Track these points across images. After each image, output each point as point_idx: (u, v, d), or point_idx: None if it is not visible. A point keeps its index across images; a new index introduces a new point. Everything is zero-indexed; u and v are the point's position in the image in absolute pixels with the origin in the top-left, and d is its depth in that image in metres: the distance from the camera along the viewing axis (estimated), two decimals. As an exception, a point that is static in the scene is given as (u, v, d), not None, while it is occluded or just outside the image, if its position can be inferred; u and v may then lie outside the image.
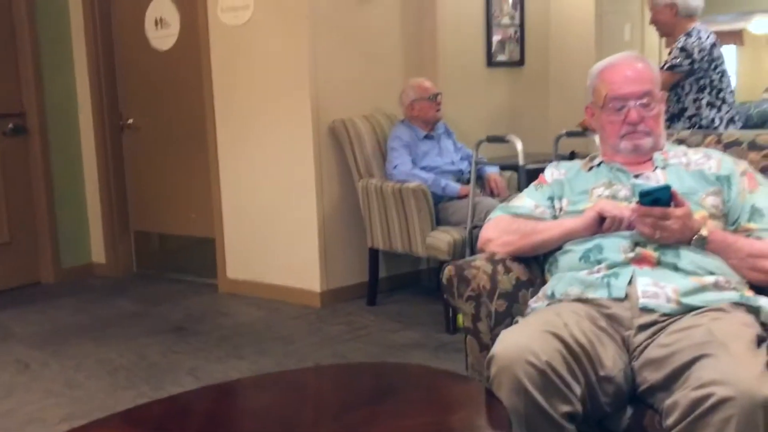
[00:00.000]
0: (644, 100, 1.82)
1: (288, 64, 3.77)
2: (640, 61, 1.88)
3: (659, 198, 1.62)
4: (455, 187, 3.55)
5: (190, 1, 4.11)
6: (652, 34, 4.33)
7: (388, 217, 3.59)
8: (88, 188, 4.69)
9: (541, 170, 2.04)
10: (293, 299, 3.89)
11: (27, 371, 3.06)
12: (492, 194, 3.63)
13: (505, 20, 4.46)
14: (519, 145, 3.21)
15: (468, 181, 3.51)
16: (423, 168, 3.61)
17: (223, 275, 4.20)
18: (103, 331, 3.56)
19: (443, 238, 3.36)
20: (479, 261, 1.84)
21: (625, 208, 1.71)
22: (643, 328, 1.55)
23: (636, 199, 1.69)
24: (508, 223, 1.89)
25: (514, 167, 3.50)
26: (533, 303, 1.77)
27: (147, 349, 3.27)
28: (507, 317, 1.78)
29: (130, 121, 4.61)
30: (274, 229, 3.97)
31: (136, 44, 4.49)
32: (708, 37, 3.20)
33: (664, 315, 1.55)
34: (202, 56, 4.07)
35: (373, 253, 3.79)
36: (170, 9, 4.30)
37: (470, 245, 3.26)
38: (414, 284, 4.16)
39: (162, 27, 4.36)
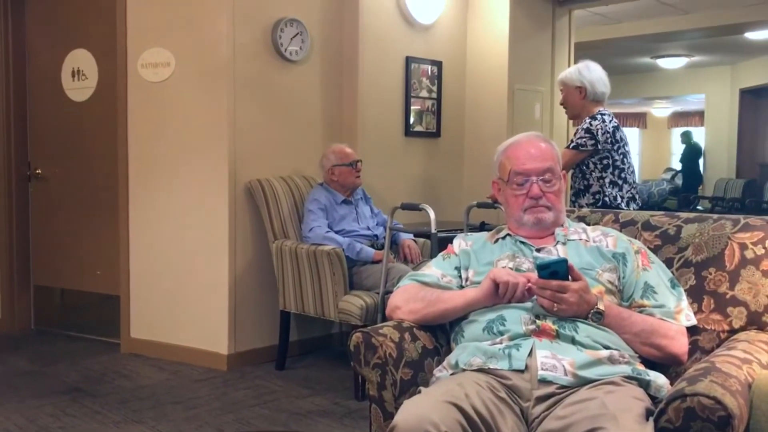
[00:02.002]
0: (546, 176, 1.91)
1: (207, 123, 3.76)
2: (543, 141, 1.98)
3: (557, 271, 1.69)
4: (370, 251, 3.57)
5: (110, 54, 4.07)
6: (560, 113, 4.57)
7: (301, 279, 3.57)
8: (-13, 239, 4.47)
9: (453, 238, 2.10)
10: (199, 361, 3.78)
11: None
12: (406, 260, 3.68)
13: (423, 92, 4.61)
14: (432, 214, 3.28)
15: (383, 247, 3.54)
16: (339, 232, 3.63)
17: (127, 334, 4.04)
18: (-9, 392, 3.34)
19: (356, 303, 3.36)
20: (386, 328, 1.85)
21: (520, 275, 1.77)
22: (540, 399, 1.59)
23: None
24: (416, 292, 1.92)
25: (427, 234, 3.57)
26: (438, 372, 1.78)
27: (38, 412, 3.08)
28: (412, 385, 1.79)
29: (39, 171, 4.46)
30: (183, 288, 3.87)
31: (50, 94, 4.38)
32: (611, 120, 3.41)
33: (562, 387, 1.59)
34: (118, 110, 4.01)
35: (285, 316, 3.75)
36: (89, 61, 4.23)
37: (382, 310, 3.27)
38: (325, 348, 4.12)
39: (79, 78, 4.29)
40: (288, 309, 3.70)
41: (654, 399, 1.61)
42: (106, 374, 3.64)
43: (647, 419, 1.48)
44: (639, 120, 16.24)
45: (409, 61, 4.50)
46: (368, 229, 3.77)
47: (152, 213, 3.95)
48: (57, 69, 4.34)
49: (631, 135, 15.35)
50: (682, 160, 12.39)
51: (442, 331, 1.94)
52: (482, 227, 3.36)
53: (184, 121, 3.83)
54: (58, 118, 4.38)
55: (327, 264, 3.45)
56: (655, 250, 2.00)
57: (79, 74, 4.29)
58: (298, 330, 3.93)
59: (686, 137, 12.41)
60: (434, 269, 1.98)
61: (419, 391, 1.67)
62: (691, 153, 12.14)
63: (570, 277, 1.70)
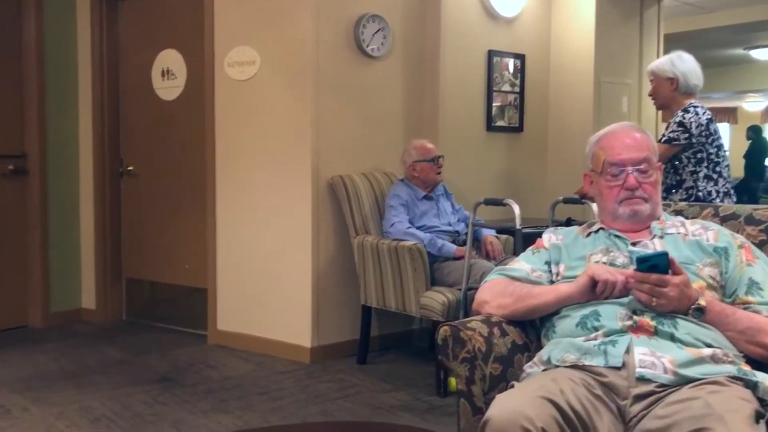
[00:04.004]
0: (642, 167, 1.84)
1: (290, 120, 3.82)
2: (638, 131, 1.91)
3: (656, 264, 1.62)
4: (451, 247, 3.55)
5: (198, 54, 4.19)
6: (649, 107, 4.43)
7: (382, 275, 3.58)
8: (83, 233, 4.68)
9: (537, 235, 2.05)
10: (282, 354, 3.84)
11: (7, 416, 2.98)
12: (487, 256, 3.63)
13: (506, 86, 4.54)
14: (516, 209, 3.23)
15: (464, 243, 3.51)
16: (420, 228, 3.62)
17: (213, 326, 4.15)
18: (88, 379, 3.49)
19: (437, 299, 3.34)
20: (475, 323, 1.82)
21: (618, 272, 1.71)
22: (639, 398, 1.53)
23: (633, 266, 1.69)
24: (504, 286, 1.88)
25: (510, 231, 3.51)
26: (528, 368, 1.74)
27: (131, 399, 3.20)
28: (501, 381, 1.76)
29: (130, 168, 4.63)
30: (267, 282, 3.94)
31: (141, 93, 4.55)
32: (704, 112, 3.26)
33: (661, 385, 1.53)
34: (206, 108, 4.12)
35: (366, 311, 3.76)
36: (178, 61, 4.37)
37: (464, 307, 3.24)
38: (405, 344, 4.11)
39: (168, 78, 4.43)
40: (369, 304, 3.72)
41: (762, 402, 1.52)
42: (194, 365, 3.74)
43: (757, 422, 1.40)
44: (729, 115, 15.54)
45: (491, 54, 4.44)
46: (449, 225, 3.74)
47: (238, 208, 4.04)
48: (147, 69, 4.50)
49: (721, 130, 14.71)
50: (746, 156, 11.75)
51: (531, 327, 1.89)
52: (568, 223, 3.27)
53: (269, 119, 3.90)
54: (149, 116, 4.54)
55: (408, 259, 3.44)
56: (760, 245, 1.89)
57: (168, 74, 4.43)
58: (379, 325, 3.93)
59: (754, 131, 11.76)
60: (523, 264, 1.93)
61: (512, 386, 1.64)
62: (758, 149, 11.52)
63: (670, 271, 1.63)
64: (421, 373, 3.57)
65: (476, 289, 2.01)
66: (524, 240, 2.99)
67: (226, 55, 4.02)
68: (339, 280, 3.87)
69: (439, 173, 3.75)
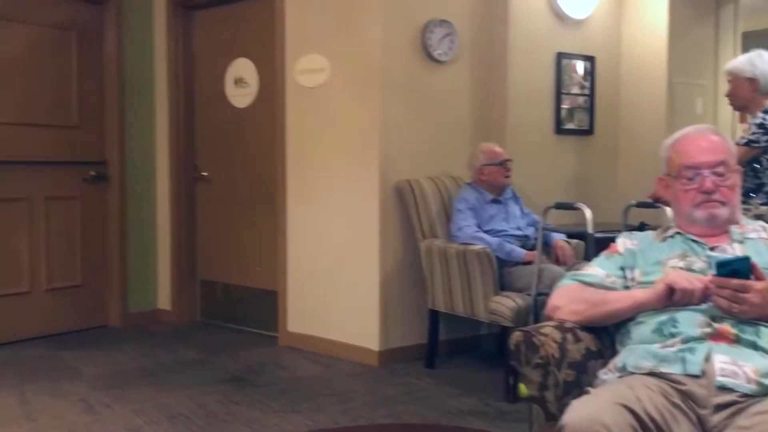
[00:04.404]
0: (719, 170, 1.80)
1: (359, 126, 3.87)
2: (714, 134, 1.87)
3: (738, 269, 1.58)
4: (521, 252, 3.52)
5: (269, 62, 4.29)
6: (725, 108, 4.29)
7: (450, 279, 3.58)
8: (160, 236, 4.85)
9: (610, 239, 2.02)
10: (351, 356, 3.89)
11: (90, 412, 3.12)
12: (557, 261, 3.59)
13: (575, 89, 4.48)
14: (588, 213, 3.18)
15: (533, 247, 3.48)
16: (488, 232, 3.61)
17: (284, 328, 4.23)
18: (165, 377, 3.62)
19: (507, 304, 3.33)
20: (548, 328, 1.81)
21: (697, 280, 1.67)
22: (720, 407, 1.49)
23: (712, 271, 1.65)
24: (578, 292, 1.87)
25: (581, 235, 3.46)
26: (603, 374, 1.72)
27: (206, 398, 3.30)
28: (575, 388, 1.74)
29: (205, 173, 4.77)
30: (336, 285, 4.00)
31: (215, 101, 4.69)
32: (786, 114, 3.15)
33: (744, 395, 1.49)
34: (277, 115, 4.22)
35: (433, 315, 3.77)
36: (250, 69, 4.49)
37: (534, 312, 3.21)
38: (473, 349, 4.10)
39: (241, 86, 4.55)
40: (437, 308, 3.73)
41: None
42: (265, 365, 3.83)
43: None
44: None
45: (559, 57, 4.39)
46: (518, 229, 3.71)
47: (307, 212, 4.11)
48: (221, 78, 4.64)
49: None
50: None
51: (605, 333, 1.87)
52: (641, 228, 3.20)
53: (338, 124, 3.96)
54: (222, 123, 4.68)
55: (476, 264, 3.43)
56: None
57: (241, 82, 4.55)
58: (446, 329, 3.93)
59: None
60: (597, 269, 1.91)
61: (587, 392, 1.62)
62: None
63: (752, 276, 1.58)
64: (490, 378, 3.55)
65: (546, 294, 2.00)
66: (597, 244, 2.94)
67: (296, 63, 4.10)
68: (406, 284, 3.90)
69: (507, 177, 3.74)
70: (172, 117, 4.76)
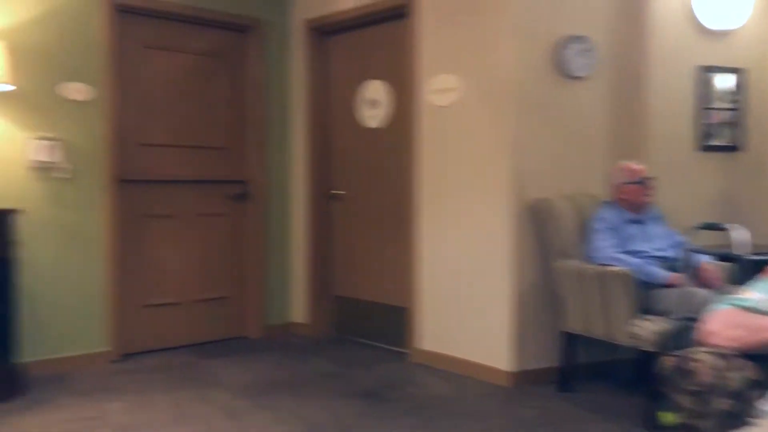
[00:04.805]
0: None
1: (491, 143, 3.86)
2: None
3: None
4: (664, 274, 3.37)
5: (401, 83, 4.38)
6: None
7: (587, 300, 3.48)
8: (295, 252, 5.05)
9: (764, 262, 1.90)
10: (481, 376, 3.86)
11: (233, 419, 3.28)
12: (703, 284, 3.40)
13: (721, 104, 4.26)
14: (739, 234, 3.00)
15: (677, 269, 3.32)
16: (627, 252, 3.48)
17: (414, 345, 4.27)
18: (302, 388, 3.74)
19: (649, 327, 3.19)
20: (703, 354, 1.73)
21: None
22: None
23: None
24: (735, 317, 1.77)
25: (730, 257, 3.27)
26: (764, 405, 1.62)
27: (342, 410, 3.38)
28: (733, 418, 1.65)
29: (339, 192, 4.92)
30: (467, 303, 3.99)
31: (348, 122, 4.84)
32: None
33: None
34: (409, 135, 4.29)
35: (568, 337, 3.68)
36: (382, 90, 4.60)
37: (680, 337, 3.06)
38: (609, 373, 3.95)
39: (374, 107, 4.67)
40: (571, 330, 3.63)
41: None
42: (397, 382, 3.88)
43: None
44: None
45: (702, 70, 4.19)
46: (660, 250, 3.56)
47: (440, 230, 4.14)
48: (354, 99, 4.78)
49: None
50: None
51: (765, 361, 1.76)
52: (800, 250, 2.99)
53: (470, 143, 3.98)
54: (355, 143, 4.82)
55: (616, 286, 3.32)
56: None
57: (373, 103, 4.67)
58: (582, 352, 3.82)
59: None
60: (755, 293, 1.81)
61: (749, 424, 1.53)
62: None
63: None
64: (628, 404, 3.42)
65: (693, 318, 1.90)
66: (750, 267, 2.78)
67: (428, 83, 4.16)
68: (540, 305, 3.83)
69: (648, 195, 3.60)
70: (308, 138, 4.96)
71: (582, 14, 3.96)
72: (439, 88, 4.11)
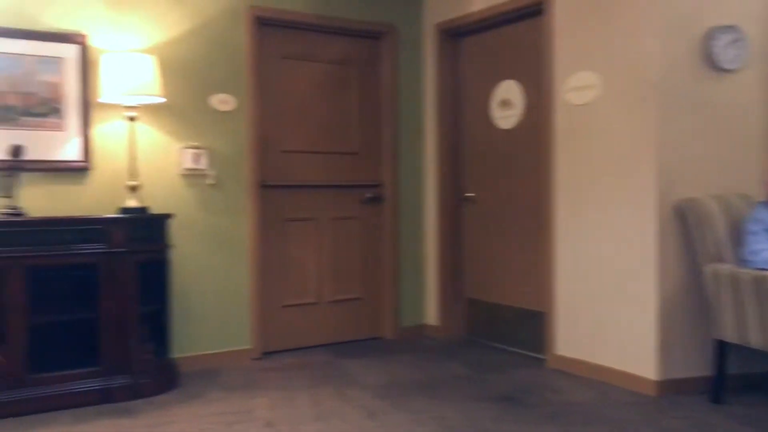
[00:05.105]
0: None
1: (633, 142, 3.71)
2: None
3: None
4: (830, 279, 3.10)
5: (535, 82, 4.30)
6: None
7: (742, 307, 3.26)
8: (428, 255, 5.07)
9: None
10: (624, 384, 3.71)
11: (373, 418, 3.33)
12: None
13: None
14: None
15: None
16: (788, 256, 3.23)
17: (552, 351, 4.17)
18: (437, 390, 3.75)
19: (815, 337, 2.95)
20: None
21: None
22: None
23: None
24: None
25: None
26: None
27: (479, 414, 3.35)
28: None
29: (471, 194, 4.90)
30: (609, 309, 3.85)
31: (480, 123, 4.80)
32: None
33: None
34: (543, 134, 4.20)
35: (721, 346, 3.46)
36: (516, 91, 4.53)
37: None
38: (766, 386, 3.69)
39: (506, 108, 4.61)
40: (725, 338, 3.41)
41: None
42: (534, 387, 3.80)
43: None
44: None
45: None
46: (825, 253, 3.28)
47: (578, 233, 4.02)
48: (486, 100, 4.74)
49: None
50: None
51: None
52: None
53: (610, 141, 3.84)
54: (487, 145, 4.77)
55: (775, 291, 3.09)
56: None
57: (506, 104, 4.61)
58: (736, 362, 3.58)
59: None
60: None
61: None
62: None
63: None
64: (791, 420, 3.17)
65: None
66: None
67: (564, 82, 4.06)
68: (687, 311, 3.63)
69: (810, 195, 3.33)
70: (440, 141, 4.97)
71: (731, 2, 3.72)
72: (577, 86, 4.00)
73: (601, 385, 3.77)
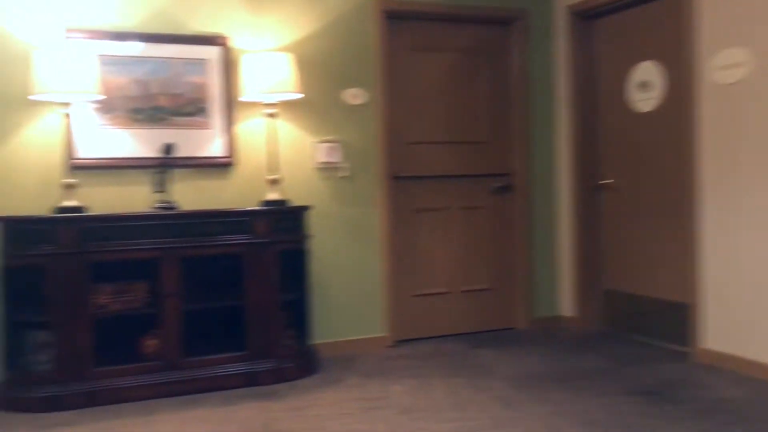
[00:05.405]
0: None
1: (791, 121, 3.44)
2: None
3: None
4: None
5: (677, 62, 4.08)
6: None
7: None
8: (562, 244, 4.95)
9: None
10: (783, 382, 3.47)
11: (510, 408, 3.30)
12: None
13: None
14: None
15: None
16: None
17: (698, 344, 3.96)
18: (576, 383, 3.66)
19: None
20: None
21: None
22: None
23: None
24: None
25: None
26: None
27: (621, 408, 3.25)
28: None
29: (608, 181, 4.73)
30: (761, 301, 3.60)
31: (616, 107, 4.62)
32: None
33: None
34: (686, 117, 3.98)
35: None
36: (655, 72, 4.32)
37: None
38: None
39: (645, 90, 4.41)
40: None
41: None
42: (679, 382, 3.62)
43: None
44: None
45: None
46: None
47: (728, 220, 3.79)
48: (622, 84, 4.56)
49: None
50: None
51: None
52: None
53: (762, 123, 3.58)
54: (624, 129, 4.59)
55: None
56: None
57: (645, 86, 4.41)
58: None
59: None
60: None
61: None
62: None
63: None
64: None
65: None
66: None
67: (711, 60, 3.82)
68: None
69: None
70: (573, 127, 4.83)
71: None
72: (725, 64, 3.76)
73: (757, 382, 3.54)
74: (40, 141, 3.77)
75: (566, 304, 4.94)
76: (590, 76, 4.82)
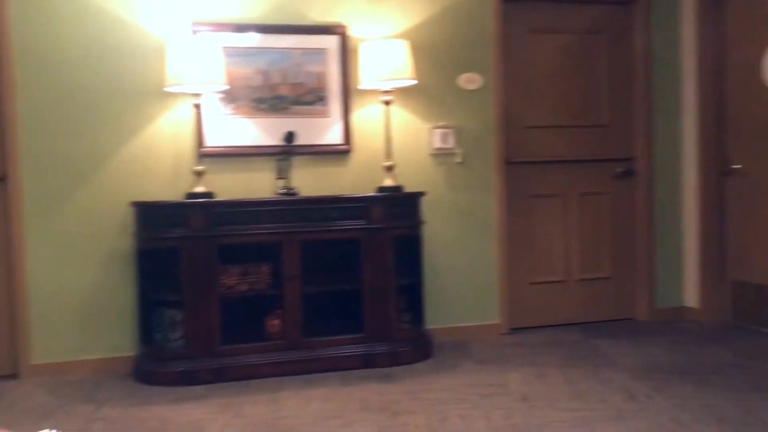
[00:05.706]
0: None
1: None
2: None
3: None
4: None
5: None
6: None
7: None
8: (687, 232, 4.74)
9: None
10: None
11: (634, 400, 3.21)
12: None
13: None
14: None
15: None
16: None
17: (840, 340, 3.69)
18: (703, 377, 3.50)
19: None
20: None
21: None
22: None
23: None
24: None
25: None
26: None
27: (753, 405, 3.08)
28: None
29: (737, 166, 4.47)
30: None
31: (750, 88, 4.35)
32: None
33: None
34: (832, 95, 3.70)
35: None
36: (795, 47, 4.04)
37: None
38: None
39: (782, 67, 4.13)
40: None
41: None
42: (819, 379, 3.40)
43: None
44: None
45: None
46: None
47: None
48: (757, 63, 4.28)
49: None
50: None
51: None
52: None
53: None
54: (759, 111, 4.31)
55: None
56: None
57: (782, 64, 4.13)
58: None
59: None
60: None
61: None
62: None
63: None
64: None
65: None
66: None
67: None
68: None
69: None
70: (700, 109, 4.59)
71: None
72: None
73: None
74: (171, 131, 3.99)
75: (690, 295, 4.72)
76: (719, 55, 4.56)
